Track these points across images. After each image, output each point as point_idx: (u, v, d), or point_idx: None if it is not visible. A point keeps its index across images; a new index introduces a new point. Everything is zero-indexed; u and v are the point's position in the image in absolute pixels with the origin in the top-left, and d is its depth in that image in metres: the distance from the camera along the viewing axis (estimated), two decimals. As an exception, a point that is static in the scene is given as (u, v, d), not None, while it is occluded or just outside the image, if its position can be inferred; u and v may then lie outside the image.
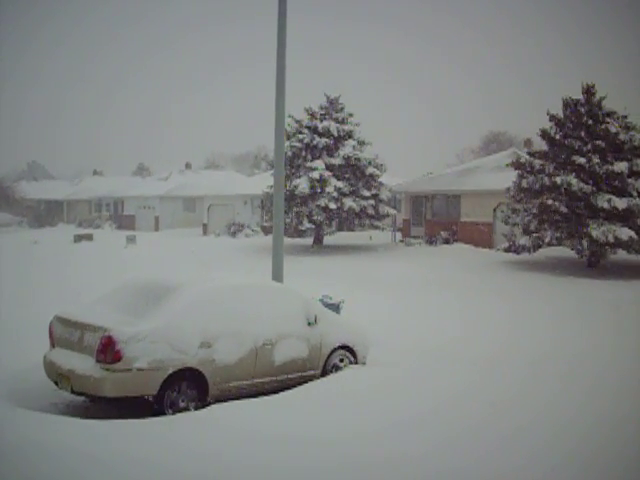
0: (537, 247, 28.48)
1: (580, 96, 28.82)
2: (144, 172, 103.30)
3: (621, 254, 28.78)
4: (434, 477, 6.67)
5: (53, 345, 9.95)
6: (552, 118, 29.11)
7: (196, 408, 9.31)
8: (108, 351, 8.83)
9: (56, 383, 9.52)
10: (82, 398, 9.74)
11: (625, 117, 28.66)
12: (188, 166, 74.79)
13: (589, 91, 28.73)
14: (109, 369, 8.83)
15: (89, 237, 48.96)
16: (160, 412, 9.04)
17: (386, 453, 7.24)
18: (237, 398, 9.60)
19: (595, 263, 28.83)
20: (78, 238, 47.59)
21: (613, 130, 27.52)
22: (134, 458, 6.82)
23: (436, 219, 40.84)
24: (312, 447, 7.36)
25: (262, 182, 43.24)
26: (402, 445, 7.51)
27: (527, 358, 13.18)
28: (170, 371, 9.17)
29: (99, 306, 10.11)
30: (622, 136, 27.56)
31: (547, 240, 27.57)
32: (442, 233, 38.77)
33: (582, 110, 28.48)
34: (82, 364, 9.04)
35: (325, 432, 7.95)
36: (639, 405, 9.50)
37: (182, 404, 9.31)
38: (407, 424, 8.34)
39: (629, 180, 27.00)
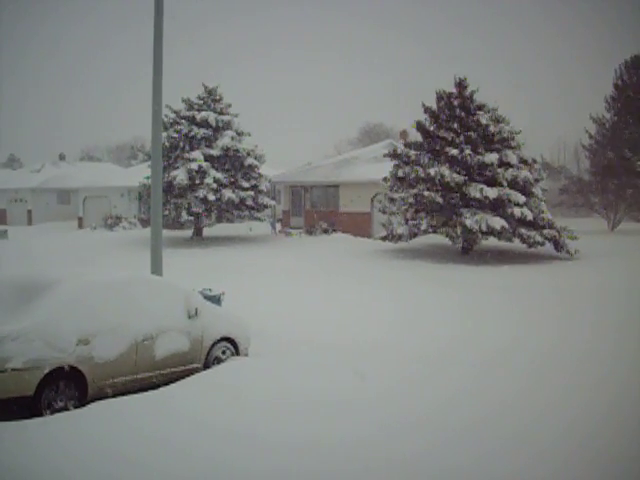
0: (414, 235, 29.21)
1: (453, 89, 29.67)
2: (15, 164, 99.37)
3: (492, 240, 29.90)
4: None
5: None
6: (426, 110, 29.85)
7: (76, 407, 9.09)
8: (-20, 351, 8.50)
9: None
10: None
11: (495, 110, 29.68)
12: (62, 157, 72.36)
13: (461, 84, 29.62)
14: (-19, 370, 8.50)
15: (-44, 232, 46.78)
16: (38, 413, 8.77)
17: (270, 444, 7.36)
18: (118, 395, 9.45)
19: (469, 250, 29.84)
20: (-57, 233, 45.40)
21: (484, 122, 28.49)
22: (5, 462, 6.68)
23: (315, 209, 41.23)
24: (190, 443, 7.38)
25: (139, 173, 42.30)
26: (278, 437, 7.65)
27: (400, 340, 13.67)
28: (47, 370, 8.91)
29: (-31, 305, 9.69)
30: (492, 128, 28.56)
31: (423, 228, 28.33)
32: (321, 223, 39.19)
33: (455, 103, 29.33)
34: (-48, 366, 8.67)
35: (201, 427, 7.98)
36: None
37: (60, 404, 9.07)
38: (285, 414, 8.47)
39: (499, 170, 28.01)
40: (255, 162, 36.93)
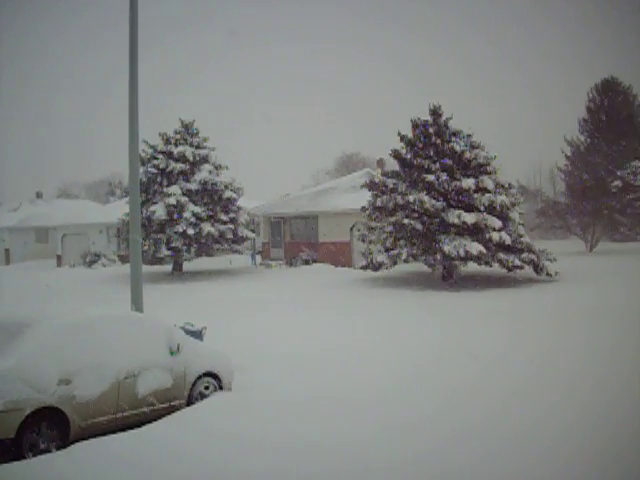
0: (394, 263, 29.21)
1: (428, 117, 29.90)
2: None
3: (472, 265, 30.00)
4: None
5: None
6: (402, 138, 30.02)
7: (58, 448, 8.97)
8: (-41, 395, 8.38)
9: None
10: None
11: (470, 136, 29.91)
12: (39, 195, 72.23)
13: (436, 112, 29.86)
14: (-39, 414, 8.38)
15: None
16: (20, 456, 8.64)
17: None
18: (101, 434, 9.34)
19: (449, 276, 29.90)
20: None
21: (458, 149, 28.70)
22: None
23: (295, 240, 41.26)
24: None
25: (117, 210, 42.23)
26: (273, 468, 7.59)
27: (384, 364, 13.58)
28: (28, 412, 8.80)
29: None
30: (468, 154, 28.77)
31: (404, 257, 28.32)
32: (302, 254, 39.19)
33: (430, 130, 29.54)
34: None
35: (186, 465, 7.90)
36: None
37: (42, 445, 8.94)
38: (268, 450, 8.40)
39: (475, 196, 28.15)
40: (233, 195, 36.95)
